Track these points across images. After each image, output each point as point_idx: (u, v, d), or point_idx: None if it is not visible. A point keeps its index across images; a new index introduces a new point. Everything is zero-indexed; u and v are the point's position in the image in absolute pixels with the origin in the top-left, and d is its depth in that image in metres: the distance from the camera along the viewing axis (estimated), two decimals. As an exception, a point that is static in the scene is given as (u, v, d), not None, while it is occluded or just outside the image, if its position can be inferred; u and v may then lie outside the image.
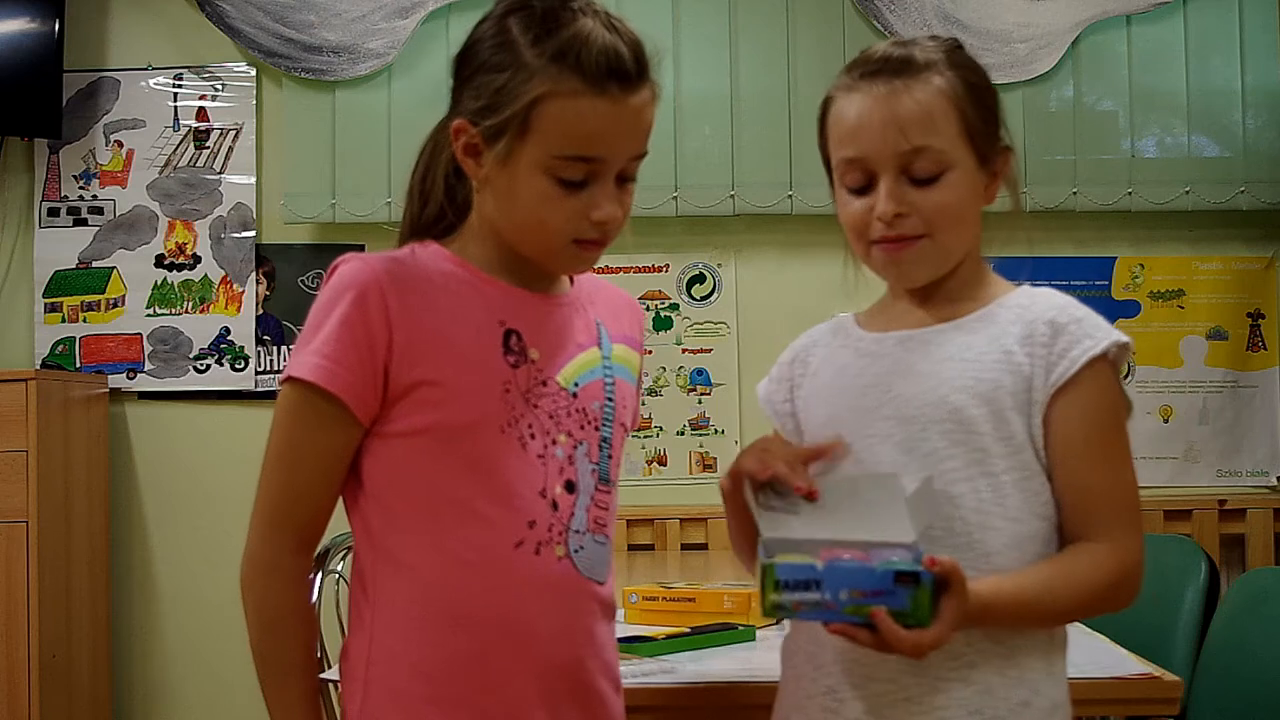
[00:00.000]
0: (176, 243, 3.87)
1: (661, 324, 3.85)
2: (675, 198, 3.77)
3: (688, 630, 1.92)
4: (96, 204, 3.87)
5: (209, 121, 3.88)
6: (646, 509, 3.71)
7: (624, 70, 1.29)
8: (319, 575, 1.99)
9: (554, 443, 1.35)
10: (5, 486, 3.31)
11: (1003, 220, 1.43)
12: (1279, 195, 3.77)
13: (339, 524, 1.39)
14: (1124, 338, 1.32)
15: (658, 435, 3.84)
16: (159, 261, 3.86)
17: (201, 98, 3.89)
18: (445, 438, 1.31)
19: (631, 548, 3.68)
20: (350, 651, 1.38)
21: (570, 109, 1.28)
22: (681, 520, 3.72)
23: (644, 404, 3.76)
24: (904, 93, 1.33)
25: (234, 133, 3.88)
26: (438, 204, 1.41)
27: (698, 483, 3.82)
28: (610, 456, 1.41)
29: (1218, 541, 3.67)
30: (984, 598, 1.24)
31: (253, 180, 3.87)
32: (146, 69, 3.88)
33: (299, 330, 1.36)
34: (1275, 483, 3.79)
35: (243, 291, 3.86)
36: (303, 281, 3.86)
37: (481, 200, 1.38)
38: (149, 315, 3.85)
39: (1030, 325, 1.33)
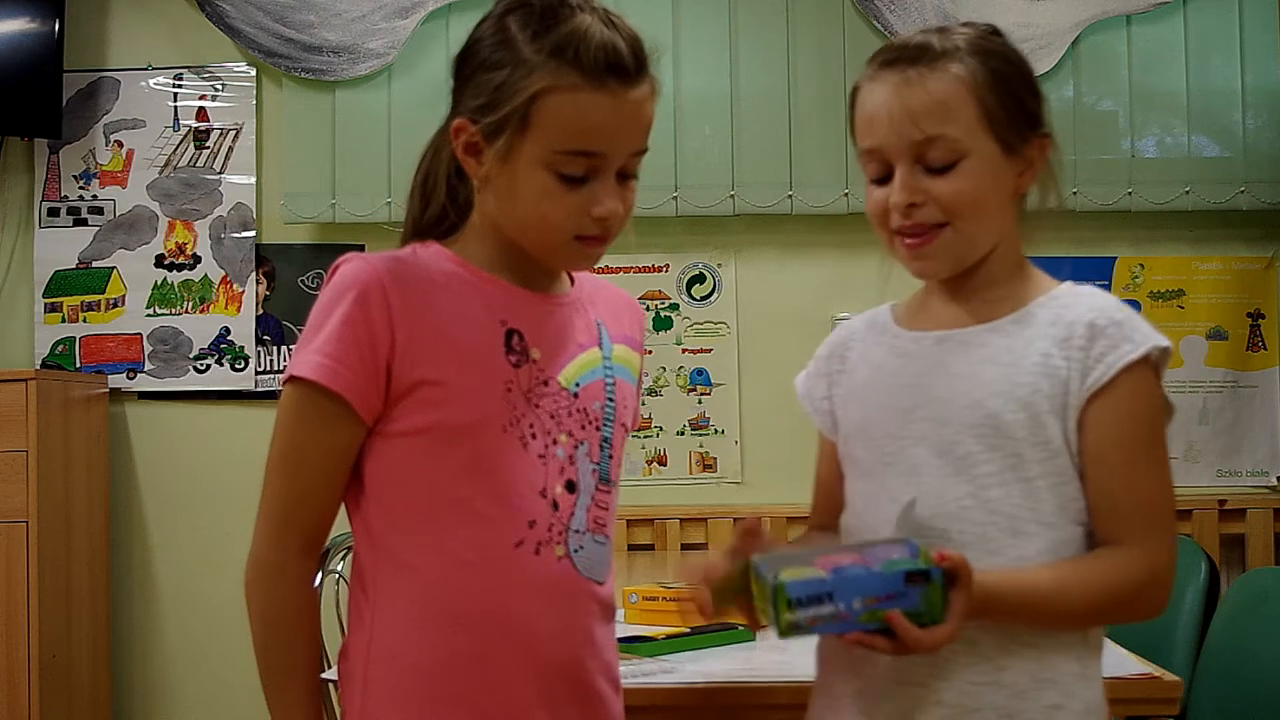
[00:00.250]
0: (176, 243, 3.86)
1: (661, 324, 3.84)
2: (675, 198, 3.76)
3: (688, 630, 1.92)
4: (96, 204, 3.86)
5: (209, 121, 3.88)
6: (646, 509, 3.71)
7: (622, 65, 1.30)
8: (319, 575, 1.99)
9: (555, 442, 1.35)
10: (5, 486, 3.31)
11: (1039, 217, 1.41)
12: (1279, 195, 3.77)
13: (339, 524, 1.39)
14: (1165, 341, 1.30)
15: (658, 435, 3.83)
16: (159, 261, 3.86)
17: (201, 98, 3.89)
18: (446, 437, 1.31)
19: (631, 548, 3.68)
20: (350, 651, 1.38)
21: (569, 103, 1.29)
22: (681, 520, 3.72)
23: (644, 404, 3.76)
24: (917, 82, 1.32)
25: (234, 133, 3.88)
26: (440, 205, 1.41)
27: (698, 483, 3.82)
28: (611, 456, 1.41)
29: (1218, 541, 3.66)
30: (988, 587, 1.23)
31: (253, 180, 3.87)
32: (146, 69, 3.88)
33: (299, 330, 1.36)
34: (1275, 483, 3.79)
35: (243, 291, 3.86)
36: (303, 281, 3.86)
37: (483, 199, 1.38)
38: (149, 315, 3.85)
39: (1069, 327, 1.31)
